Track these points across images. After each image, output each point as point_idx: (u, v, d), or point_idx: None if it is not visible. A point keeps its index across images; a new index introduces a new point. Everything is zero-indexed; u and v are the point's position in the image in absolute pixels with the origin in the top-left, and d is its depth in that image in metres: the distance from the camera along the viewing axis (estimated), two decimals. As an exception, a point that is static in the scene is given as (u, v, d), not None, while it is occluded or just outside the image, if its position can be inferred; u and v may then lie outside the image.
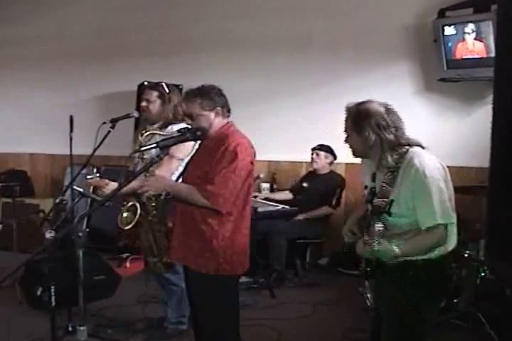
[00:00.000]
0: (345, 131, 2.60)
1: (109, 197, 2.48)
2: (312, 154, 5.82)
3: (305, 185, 5.90)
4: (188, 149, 3.27)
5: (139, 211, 3.26)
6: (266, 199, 5.92)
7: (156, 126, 3.88)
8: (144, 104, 3.95)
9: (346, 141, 2.61)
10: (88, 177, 3.56)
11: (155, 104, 3.91)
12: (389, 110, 2.54)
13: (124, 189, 3.02)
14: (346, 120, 2.59)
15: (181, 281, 3.58)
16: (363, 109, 2.53)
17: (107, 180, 3.55)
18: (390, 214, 2.46)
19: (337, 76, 6.12)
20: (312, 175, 5.94)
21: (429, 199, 2.40)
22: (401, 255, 2.38)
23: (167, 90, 3.95)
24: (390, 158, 2.49)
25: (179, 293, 3.91)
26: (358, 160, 2.75)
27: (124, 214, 3.42)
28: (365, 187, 2.69)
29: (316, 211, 5.64)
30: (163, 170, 3.50)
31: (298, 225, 5.59)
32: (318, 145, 5.80)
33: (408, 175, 2.44)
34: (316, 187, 5.75)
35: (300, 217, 5.63)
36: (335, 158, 5.78)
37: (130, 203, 3.32)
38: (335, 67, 6.13)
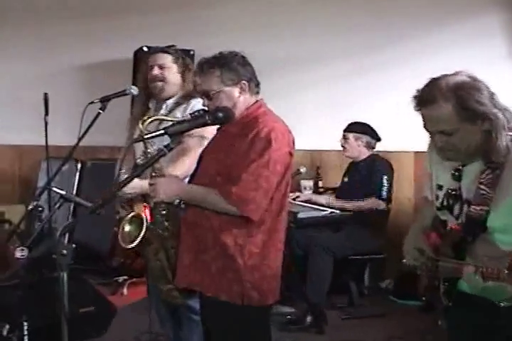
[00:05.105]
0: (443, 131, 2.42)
1: (104, 202, 2.50)
2: (341, 138, 5.82)
3: (345, 180, 5.93)
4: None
5: (145, 223, 3.26)
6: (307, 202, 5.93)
7: (172, 100, 3.94)
8: (156, 71, 3.95)
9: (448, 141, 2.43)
10: (122, 171, 3.57)
11: (171, 71, 3.96)
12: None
13: (131, 191, 3.04)
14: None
15: None
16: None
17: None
18: (484, 230, 2.46)
19: (403, 33, 6.13)
20: (351, 166, 5.95)
21: None
22: None
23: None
24: None
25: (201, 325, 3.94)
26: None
27: (126, 228, 3.42)
28: (439, 187, 2.67)
29: (362, 202, 5.57)
30: (193, 157, 3.56)
31: (350, 237, 5.55)
32: (349, 124, 5.78)
33: None
34: (355, 178, 5.77)
35: (336, 203, 5.63)
36: (374, 137, 5.77)
37: (132, 213, 3.33)
38: (399, 20, 6.13)
